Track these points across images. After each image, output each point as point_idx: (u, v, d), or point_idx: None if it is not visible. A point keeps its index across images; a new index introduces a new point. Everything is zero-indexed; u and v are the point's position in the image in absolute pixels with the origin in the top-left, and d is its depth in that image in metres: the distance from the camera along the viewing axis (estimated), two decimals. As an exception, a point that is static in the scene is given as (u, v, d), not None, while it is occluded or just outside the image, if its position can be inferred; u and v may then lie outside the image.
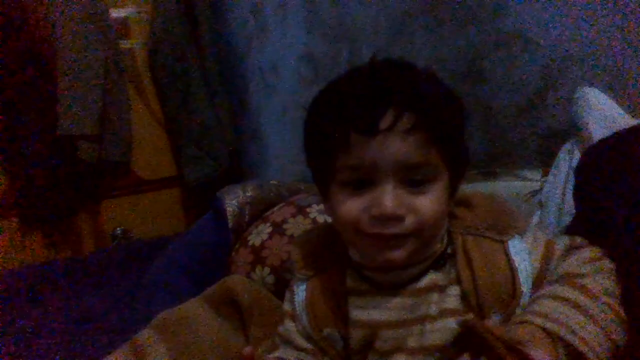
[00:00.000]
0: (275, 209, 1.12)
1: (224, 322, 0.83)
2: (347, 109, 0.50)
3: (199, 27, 1.94)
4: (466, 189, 0.60)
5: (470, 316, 0.53)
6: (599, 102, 0.80)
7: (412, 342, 0.55)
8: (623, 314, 0.49)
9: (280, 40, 1.70)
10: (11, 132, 1.75)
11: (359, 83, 0.52)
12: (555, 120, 0.94)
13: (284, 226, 1.04)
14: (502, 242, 0.55)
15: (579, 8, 0.87)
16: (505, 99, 1.02)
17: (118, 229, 2.01)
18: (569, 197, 0.77)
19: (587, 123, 0.79)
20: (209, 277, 0.96)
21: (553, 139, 0.94)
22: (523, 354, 0.42)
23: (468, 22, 1.06)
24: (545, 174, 0.91)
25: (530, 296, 0.53)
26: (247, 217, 1.12)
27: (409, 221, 0.50)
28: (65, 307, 1.20)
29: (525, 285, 0.53)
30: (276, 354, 0.63)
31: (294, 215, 1.06)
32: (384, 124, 0.48)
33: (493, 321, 0.51)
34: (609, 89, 0.83)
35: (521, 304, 0.53)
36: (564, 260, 0.55)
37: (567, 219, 0.78)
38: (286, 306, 0.65)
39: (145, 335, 0.79)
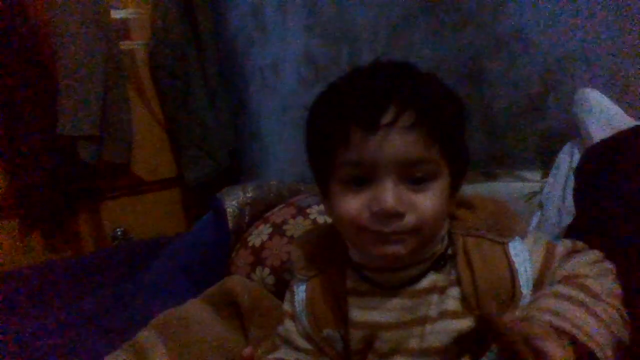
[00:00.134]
0: (275, 209, 1.12)
1: (224, 323, 0.83)
2: (349, 105, 0.50)
3: (199, 28, 1.94)
4: (467, 190, 0.60)
5: (488, 310, 0.53)
6: (599, 104, 0.80)
7: (412, 344, 0.55)
8: (625, 314, 0.49)
9: (280, 41, 1.70)
10: (11, 132, 1.75)
11: (361, 81, 0.53)
12: (556, 121, 0.94)
13: (284, 227, 1.04)
14: (503, 243, 0.55)
15: (579, 9, 0.87)
16: (505, 99, 1.02)
17: (118, 229, 2.01)
18: (569, 197, 0.77)
19: (587, 124, 0.79)
20: (209, 278, 0.96)
21: (553, 139, 0.94)
22: (538, 349, 0.42)
23: (468, 23, 1.06)
24: (546, 174, 0.91)
25: (530, 298, 0.53)
26: (247, 217, 1.12)
27: (409, 218, 0.50)
28: (65, 307, 1.20)
29: (525, 287, 0.53)
30: (276, 354, 0.63)
31: (294, 216, 1.06)
32: (385, 119, 0.48)
33: (510, 316, 0.50)
34: (609, 89, 0.83)
35: (520, 305, 0.53)
36: (565, 263, 0.54)
37: (567, 220, 0.78)
38: (286, 306, 0.65)
39: (145, 335, 0.79)
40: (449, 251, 0.57)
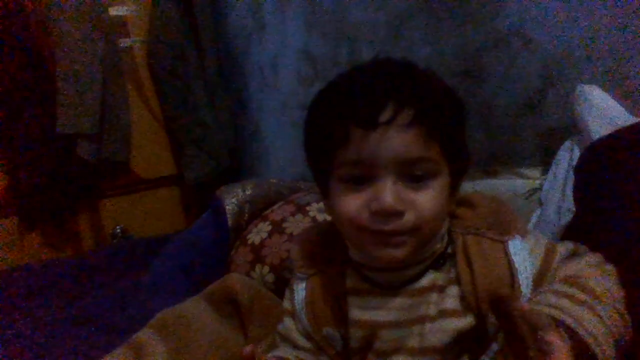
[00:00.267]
0: (275, 207, 1.12)
1: (223, 321, 0.83)
2: (347, 103, 0.50)
3: (199, 26, 1.94)
4: (467, 187, 0.60)
5: (505, 292, 0.52)
6: (598, 100, 0.80)
7: (411, 343, 0.55)
8: (626, 315, 0.49)
9: (280, 39, 1.70)
10: (11, 132, 1.75)
11: (360, 79, 0.53)
12: (555, 118, 0.94)
13: (284, 225, 1.04)
14: (503, 242, 0.55)
15: (579, 6, 0.87)
16: (505, 97, 1.02)
17: (117, 228, 2.01)
18: (569, 195, 0.77)
19: (587, 121, 0.79)
20: (208, 276, 0.96)
21: (553, 137, 0.94)
22: (542, 338, 0.42)
23: (467, 21, 1.06)
24: (545, 172, 0.91)
25: (530, 297, 0.53)
26: (246, 215, 1.12)
27: (409, 217, 0.49)
28: (65, 306, 1.20)
29: (525, 286, 0.53)
30: (275, 352, 0.63)
31: (293, 214, 1.06)
32: (384, 117, 0.48)
33: (519, 303, 0.49)
34: (609, 86, 0.82)
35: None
36: (566, 264, 0.54)
37: (566, 217, 0.78)
38: (286, 304, 0.65)
39: (144, 334, 0.79)
40: (449, 250, 0.57)
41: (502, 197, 0.62)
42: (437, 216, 0.52)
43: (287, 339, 0.63)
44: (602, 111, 0.78)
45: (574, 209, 0.74)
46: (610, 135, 0.69)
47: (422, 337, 0.55)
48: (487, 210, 0.58)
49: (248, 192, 1.16)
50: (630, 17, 0.80)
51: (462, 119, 0.55)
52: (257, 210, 1.14)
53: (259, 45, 1.83)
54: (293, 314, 0.63)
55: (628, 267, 0.56)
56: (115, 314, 1.09)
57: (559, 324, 0.45)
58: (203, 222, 1.23)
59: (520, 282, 0.53)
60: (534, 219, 0.87)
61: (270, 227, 1.05)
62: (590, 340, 0.45)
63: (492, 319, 0.53)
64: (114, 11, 1.93)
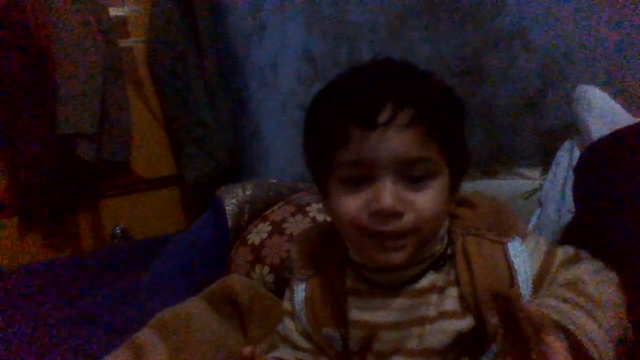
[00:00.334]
0: (275, 207, 1.12)
1: (223, 321, 0.83)
2: (346, 104, 0.50)
3: (198, 26, 1.94)
4: (467, 188, 0.60)
5: (512, 290, 0.52)
6: (598, 101, 0.80)
7: (411, 344, 0.55)
8: (626, 323, 0.49)
9: (280, 39, 1.70)
10: (11, 132, 1.75)
11: (359, 80, 0.53)
12: (555, 119, 0.94)
13: (284, 225, 1.04)
14: (502, 243, 0.55)
15: (579, 6, 0.87)
16: (504, 97, 1.02)
17: (117, 228, 2.01)
18: (569, 195, 0.77)
19: (587, 121, 0.79)
20: (208, 277, 0.96)
21: (553, 137, 0.94)
22: (541, 340, 0.42)
23: (467, 21, 1.06)
24: (545, 172, 0.91)
25: (529, 299, 0.53)
26: (246, 216, 1.12)
27: (408, 218, 0.49)
28: (65, 306, 1.20)
29: (524, 288, 0.53)
30: (275, 353, 0.63)
31: (293, 214, 1.06)
32: (383, 117, 0.48)
33: (527, 302, 0.50)
34: (609, 86, 0.82)
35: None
36: (567, 269, 0.54)
37: (566, 218, 0.78)
38: (286, 305, 0.65)
39: (144, 334, 0.79)
40: (449, 251, 0.57)
41: (502, 198, 0.61)
42: (436, 217, 0.52)
43: (286, 340, 0.63)
44: (602, 111, 0.78)
45: (573, 209, 0.74)
46: (610, 136, 0.69)
47: (421, 338, 0.55)
48: (487, 211, 0.58)
49: (248, 193, 1.16)
50: (630, 17, 0.80)
51: (461, 119, 0.55)
52: (257, 210, 1.13)
53: (259, 45, 1.83)
54: (293, 315, 0.63)
55: (628, 267, 0.56)
56: (115, 314, 1.09)
57: (557, 325, 0.45)
58: (203, 223, 1.23)
59: (520, 283, 0.53)
60: (533, 219, 0.87)
61: (270, 228, 1.05)
62: (589, 345, 0.44)
63: (491, 320, 0.53)
64: (114, 11, 1.93)
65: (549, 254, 0.55)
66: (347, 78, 0.54)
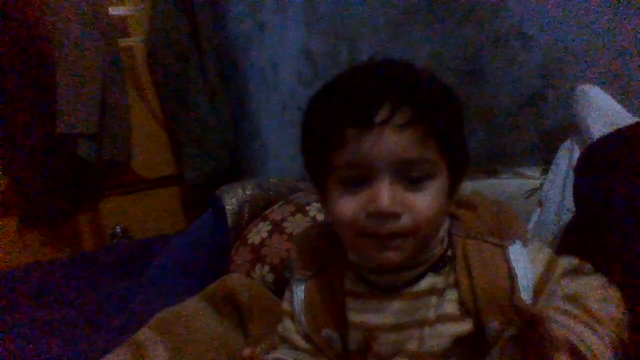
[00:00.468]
0: (275, 207, 1.12)
1: (223, 321, 0.83)
2: (343, 104, 0.50)
3: (199, 26, 1.94)
4: (467, 187, 0.60)
5: (524, 301, 0.51)
6: (598, 100, 0.80)
7: (411, 346, 0.55)
8: (626, 340, 0.48)
9: (280, 39, 1.70)
10: (11, 132, 1.75)
11: (356, 79, 0.52)
12: (555, 118, 0.94)
13: (284, 224, 1.04)
14: (503, 247, 0.54)
15: (578, 6, 0.87)
16: (504, 96, 1.02)
17: (118, 227, 2.01)
18: (569, 195, 0.76)
19: (587, 121, 0.79)
20: (208, 276, 0.96)
21: (553, 136, 0.94)
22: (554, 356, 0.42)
23: (467, 20, 1.06)
24: (545, 171, 0.91)
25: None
26: (246, 215, 1.12)
27: (406, 219, 0.49)
28: (65, 305, 1.20)
29: (525, 293, 0.52)
30: (275, 353, 0.62)
31: (293, 214, 1.06)
32: (380, 117, 0.47)
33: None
34: (609, 86, 0.82)
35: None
36: (569, 282, 0.53)
37: (566, 217, 0.78)
38: (285, 306, 0.65)
39: (144, 334, 0.79)
40: (449, 253, 0.56)
41: (502, 198, 0.61)
42: (435, 218, 0.51)
43: (286, 341, 0.63)
44: (602, 111, 0.78)
45: (573, 208, 0.74)
46: (610, 135, 0.69)
47: (421, 341, 0.54)
48: (488, 213, 0.57)
49: (248, 192, 1.16)
50: (630, 17, 0.80)
51: (460, 119, 0.54)
52: (257, 210, 1.13)
53: (259, 45, 1.83)
54: (292, 316, 0.63)
55: (628, 267, 0.56)
56: (115, 314, 1.09)
57: (560, 339, 0.45)
58: (203, 222, 1.23)
59: (521, 289, 0.52)
60: (533, 219, 0.87)
61: (270, 227, 1.05)
62: (591, 358, 0.44)
63: (490, 324, 0.52)
64: (114, 11, 1.93)
65: (552, 262, 0.54)
66: (344, 78, 0.54)
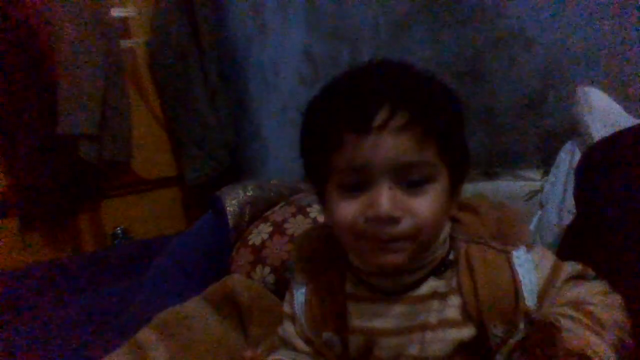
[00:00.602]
0: (276, 208, 1.12)
1: (224, 322, 0.83)
2: (340, 108, 0.49)
3: (200, 27, 1.94)
4: (468, 189, 0.59)
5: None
6: (599, 102, 0.80)
7: (412, 351, 0.55)
8: (630, 345, 0.48)
9: (281, 40, 1.70)
10: (11, 132, 1.75)
11: (353, 82, 0.52)
12: (556, 120, 0.94)
13: (285, 226, 1.04)
14: (507, 252, 0.54)
15: (579, 8, 0.87)
16: (505, 98, 1.02)
17: (118, 228, 2.01)
18: (570, 197, 0.76)
19: (588, 122, 0.79)
20: (208, 277, 0.96)
21: (553, 138, 0.94)
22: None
23: (468, 22, 1.06)
24: (546, 173, 0.91)
25: (534, 311, 0.52)
26: (247, 216, 1.12)
27: (406, 223, 0.48)
28: (65, 306, 1.20)
29: (529, 299, 0.52)
30: (275, 355, 0.62)
31: (294, 215, 1.06)
32: (377, 121, 0.47)
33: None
34: (610, 88, 0.82)
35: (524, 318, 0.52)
36: (572, 288, 0.53)
37: (567, 219, 0.78)
38: (285, 308, 0.65)
39: (145, 334, 0.79)
40: (450, 256, 0.56)
41: (507, 204, 0.60)
42: (435, 222, 0.51)
43: (286, 343, 0.63)
44: (602, 113, 0.78)
45: (574, 210, 0.74)
46: (610, 137, 0.69)
47: (422, 345, 0.54)
48: (492, 218, 0.57)
49: (249, 193, 1.16)
50: (630, 18, 0.80)
51: (460, 120, 0.54)
52: (258, 211, 1.13)
53: (259, 46, 1.83)
54: (293, 318, 0.63)
55: (628, 267, 0.56)
56: (115, 314, 1.09)
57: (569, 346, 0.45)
58: (204, 223, 1.23)
59: (525, 294, 0.52)
60: (534, 221, 0.87)
61: (271, 228, 1.05)
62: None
63: (494, 330, 0.52)
64: (115, 12, 1.93)
65: (556, 267, 0.54)
66: (342, 81, 0.53)
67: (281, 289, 0.87)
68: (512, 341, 0.52)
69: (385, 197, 0.48)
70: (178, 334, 0.78)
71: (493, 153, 1.06)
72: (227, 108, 2.03)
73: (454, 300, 0.54)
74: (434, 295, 0.55)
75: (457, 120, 0.53)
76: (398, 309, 0.55)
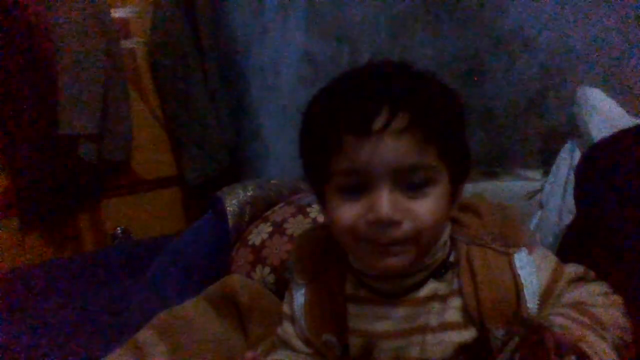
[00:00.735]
0: (276, 208, 1.12)
1: (223, 322, 0.83)
2: (340, 110, 0.49)
3: (200, 27, 1.94)
4: (467, 189, 0.59)
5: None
6: (599, 102, 0.80)
7: (412, 353, 0.54)
8: (631, 345, 0.49)
9: (281, 40, 1.70)
10: (12, 132, 1.75)
11: (353, 84, 0.51)
12: (556, 120, 0.94)
13: (284, 225, 1.04)
14: (508, 254, 0.53)
15: (579, 8, 0.87)
16: (505, 98, 1.02)
17: (118, 228, 2.01)
18: (570, 197, 0.76)
19: (588, 123, 0.79)
20: (208, 277, 0.96)
21: (554, 138, 0.94)
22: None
23: (468, 22, 1.06)
24: (546, 173, 0.91)
25: (536, 314, 0.52)
26: (247, 216, 1.12)
27: (407, 226, 0.48)
28: (65, 306, 1.20)
29: (531, 302, 0.52)
30: (274, 355, 0.62)
31: (294, 215, 1.06)
32: (377, 124, 0.46)
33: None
34: (609, 88, 0.82)
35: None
36: (573, 289, 0.53)
37: (567, 219, 0.78)
38: (285, 309, 0.65)
39: (145, 334, 0.79)
40: (451, 258, 0.56)
41: (508, 205, 0.60)
42: (436, 224, 0.50)
43: (286, 343, 0.63)
44: (602, 113, 0.78)
45: (574, 210, 0.74)
46: (610, 137, 0.69)
47: (422, 347, 0.54)
48: (493, 219, 0.56)
49: (249, 193, 1.16)
50: (630, 19, 0.80)
51: (461, 122, 0.53)
52: (258, 211, 1.13)
53: (259, 46, 1.83)
54: (292, 319, 0.63)
55: (629, 267, 0.56)
56: (115, 314, 1.09)
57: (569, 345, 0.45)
58: (203, 223, 1.23)
59: (527, 297, 0.51)
60: (534, 221, 0.87)
61: (271, 228, 1.04)
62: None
63: (496, 332, 0.52)
64: (116, 13, 1.93)
65: (557, 270, 0.54)
66: (341, 82, 0.53)
67: (281, 289, 0.87)
68: (513, 343, 0.52)
69: (386, 200, 0.47)
70: (178, 334, 0.78)
71: (493, 153, 1.06)
72: (227, 108, 2.03)
73: (455, 303, 0.54)
74: (435, 297, 0.54)
75: (458, 121, 0.53)
76: (398, 311, 0.55)
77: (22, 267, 1.55)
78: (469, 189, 0.63)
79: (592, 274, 0.56)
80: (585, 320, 0.48)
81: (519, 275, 0.52)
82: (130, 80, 1.97)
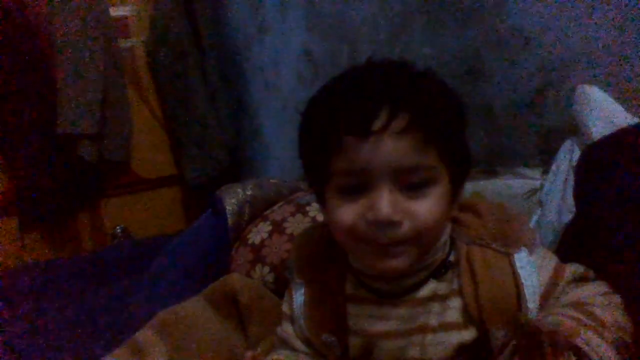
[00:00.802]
0: (275, 207, 1.12)
1: (223, 321, 0.83)
2: (340, 110, 0.49)
3: (199, 26, 1.94)
4: (467, 188, 0.59)
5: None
6: (599, 101, 0.80)
7: (412, 353, 0.54)
8: (631, 345, 0.48)
9: (280, 39, 1.70)
10: (11, 132, 1.75)
11: (353, 83, 0.51)
12: (556, 119, 0.94)
13: (284, 225, 1.04)
14: (508, 254, 0.53)
15: (579, 7, 0.87)
16: (505, 97, 1.02)
17: (118, 228, 2.01)
18: (569, 195, 0.76)
19: (587, 121, 0.79)
20: (208, 276, 0.96)
21: (553, 137, 0.94)
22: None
23: (468, 21, 1.06)
24: (546, 172, 0.91)
25: (536, 314, 0.52)
26: (246, 215, 1.12)
27: (406, 227, 0.48)
28: (65, 306, 1.20)
29: (531, 301, 0.52)
30: (274, 355, 0.62)
31: (293, 214, 1.06)
32: (377, 124, 0.46)
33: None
34: (610, 87, 0.82)
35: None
36: (573, 289, 0.53)
37: (566, 218, 0.78)
38: (284, 308, 0.65)
39: (144, 334, 0.79)
40: (451, 258, 0.56)
41: (505, 201, 0.60)
42: (436, 224, 0.50)
43: (285, 343, 0.63)
44: (602, 111, 0.78)
45: (574, 209, 0.74)
46: (610, 136, 0.69)
47: (422, 348, 0.54)
48: (494, 219, 0.56)
49: (248, 192, 1.16)
50: (630, 18, 0.80)
51: (461, 121, 0.53)
52: (257, 210, 1.13)
53: (259, 46, 1.83)
54: (292, 319, 0.63)
55: (628, 267, 0.56)
56: (115, 314, 1.09)
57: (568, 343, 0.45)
58: (203, 222, 1.23)
59: (527, 297, 0.51)
60: (534, 220, 0.87)
61: (270, 227, 1.04)
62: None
63: (496, 333, 0.52)
64: (115, 12, 1.93)
65: (558, 270, 0.54)
66: (341, 82, 0.52)
67: (281, 288, 0.87)
68: (513, 344, 0.52)
69: (386, 201, 0.47)
70: (178, 334, 0.78)
71: (492, 151, 1.06)
72: (227, 108, 2.03)
73: (455, 303, 0.54)
74: (435, 297, 0.54)
75: (458, 121, 0.53)
76: (398, 311, 0.55)
77: (22, 267, 1.55)
78: (469, 187, 0.63)
79: (592, 273, 0.56)
80: (585, 319, 0.48)
81: (519, 275, 0.52)
82: (130, 80, 1.97)
